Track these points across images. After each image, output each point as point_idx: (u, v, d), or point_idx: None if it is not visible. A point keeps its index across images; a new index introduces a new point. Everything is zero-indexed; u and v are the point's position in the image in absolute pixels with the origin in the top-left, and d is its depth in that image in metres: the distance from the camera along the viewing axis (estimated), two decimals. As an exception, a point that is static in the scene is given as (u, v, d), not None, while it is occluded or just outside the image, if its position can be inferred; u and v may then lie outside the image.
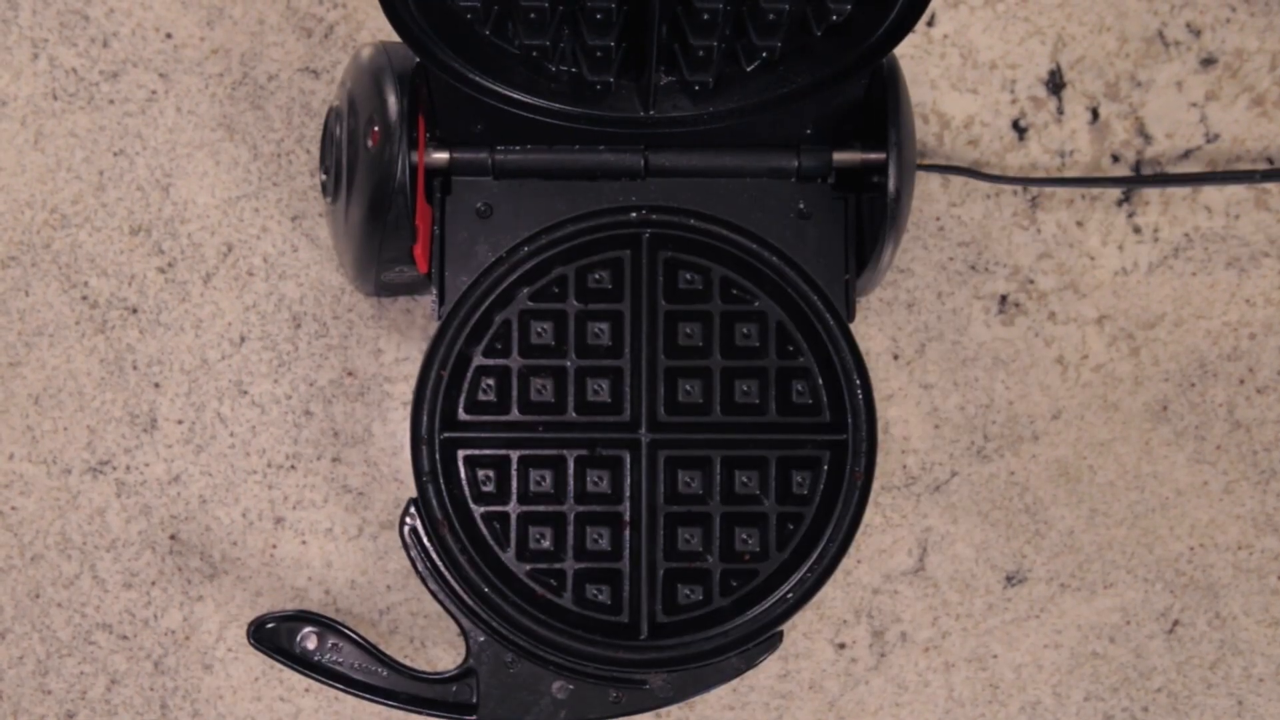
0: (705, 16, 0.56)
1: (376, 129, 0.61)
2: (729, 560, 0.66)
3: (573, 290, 0.66)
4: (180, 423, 0.74)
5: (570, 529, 0.66)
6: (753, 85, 0.61)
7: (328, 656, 0.63)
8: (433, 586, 0.64)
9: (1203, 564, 0.77)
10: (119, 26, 0.75)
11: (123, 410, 0.74)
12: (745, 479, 0.66)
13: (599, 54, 0.58)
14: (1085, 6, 0.77)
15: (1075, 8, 0.77)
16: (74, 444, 0.74)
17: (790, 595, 0.65)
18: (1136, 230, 0.77)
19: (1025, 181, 0.76)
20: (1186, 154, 0.77)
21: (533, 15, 0.56)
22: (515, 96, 0.60)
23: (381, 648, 0.64)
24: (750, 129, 0.63)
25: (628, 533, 0.65)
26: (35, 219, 0.74)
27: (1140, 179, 0.76)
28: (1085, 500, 0.77)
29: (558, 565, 0.65)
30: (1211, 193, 0.77)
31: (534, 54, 0.59)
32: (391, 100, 0.61)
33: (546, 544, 0.65)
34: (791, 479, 0.66)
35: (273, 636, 0.63)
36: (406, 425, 0.64)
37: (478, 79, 0.59)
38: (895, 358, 0.76)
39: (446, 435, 0.65)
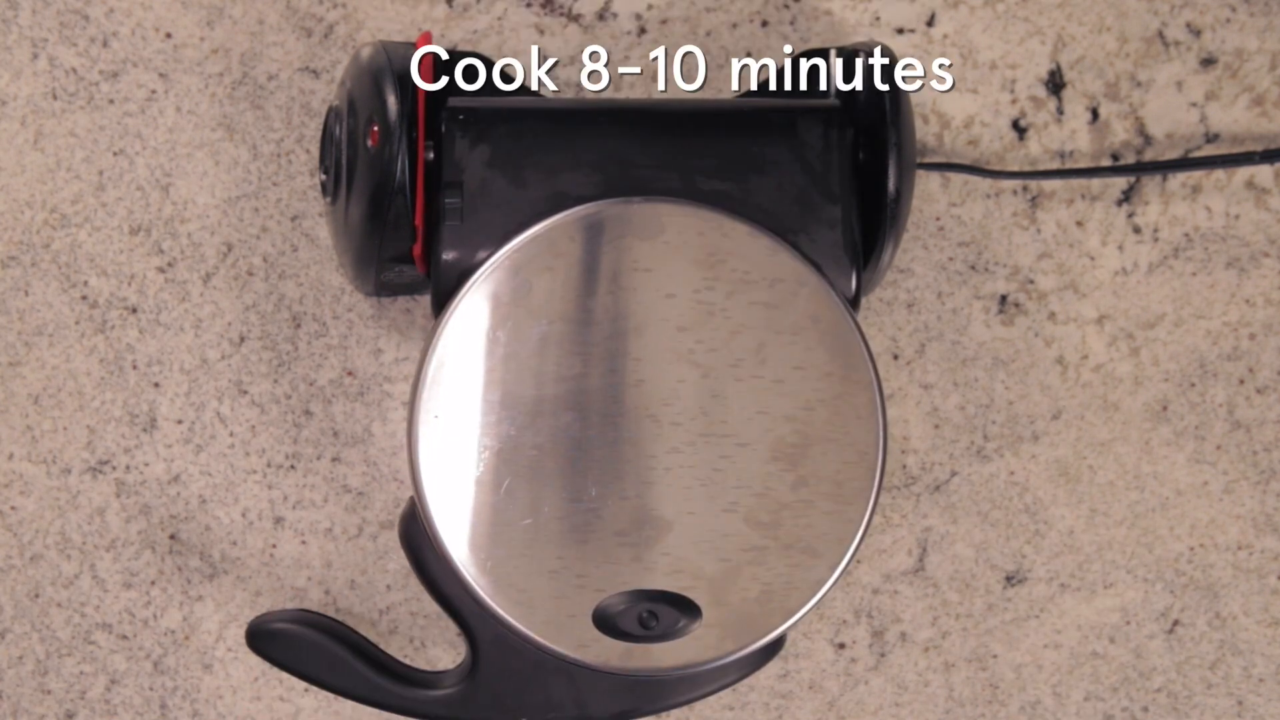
0: None
1: (376, 129, 0.61)
2: None
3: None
4: (180, 423, 0.74)
5: None
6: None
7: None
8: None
9: (1203, 564, 0.77)
10: (119, 26, 0.75)
11: (122, 410, 0.74)
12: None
13: None
14: (1085, 6, 0.77)
15: (1075, 8, 0.77)
16: (74, 444, 0.74)
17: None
18: (1136, 230, 0.77)
19: (1025, 176, 0.76)
20: (1186, 154, 0.77)
21: None
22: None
23: (381, 648, 0.64)
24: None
25: None
26: (35, 219, 0.74)
27: (1140, 166, 0.76)
28: (1085, 500, 0.77)
29: None
30: (1212, 193, 0.77)
31: None
32: (391, 100, 0.61)
33: None
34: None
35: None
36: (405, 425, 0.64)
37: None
38: (895, 358, 0.76)
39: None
